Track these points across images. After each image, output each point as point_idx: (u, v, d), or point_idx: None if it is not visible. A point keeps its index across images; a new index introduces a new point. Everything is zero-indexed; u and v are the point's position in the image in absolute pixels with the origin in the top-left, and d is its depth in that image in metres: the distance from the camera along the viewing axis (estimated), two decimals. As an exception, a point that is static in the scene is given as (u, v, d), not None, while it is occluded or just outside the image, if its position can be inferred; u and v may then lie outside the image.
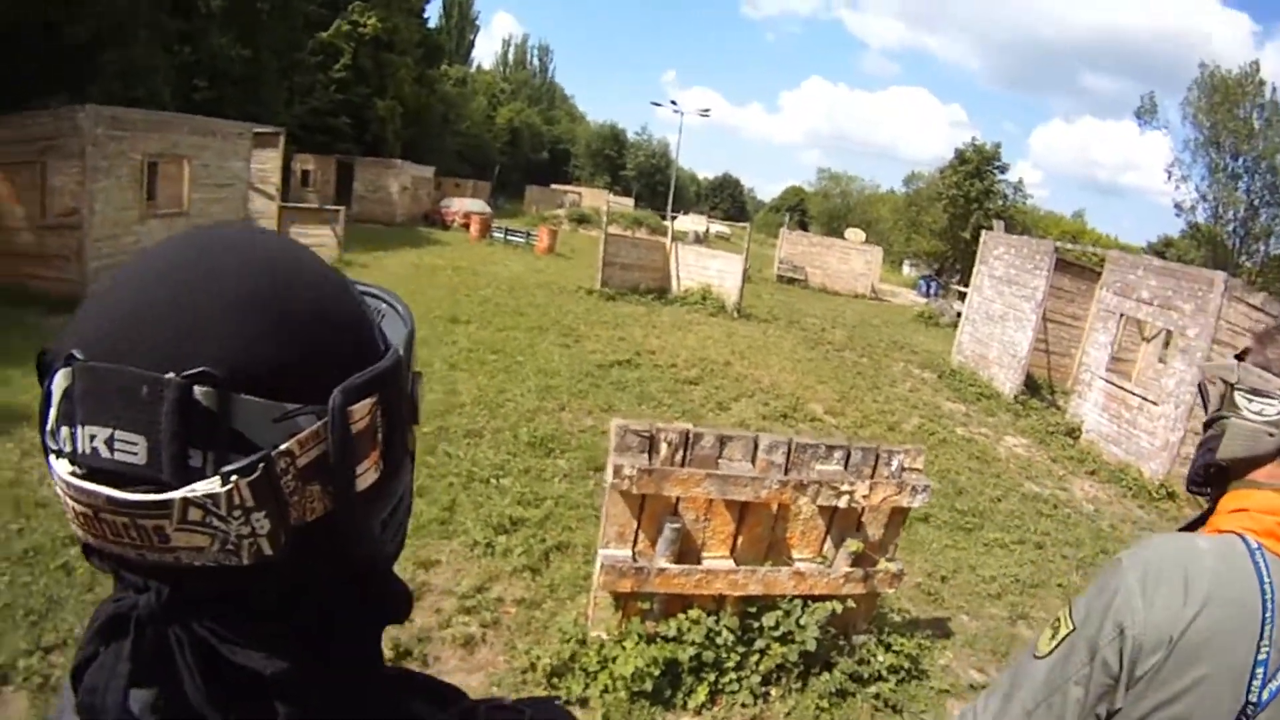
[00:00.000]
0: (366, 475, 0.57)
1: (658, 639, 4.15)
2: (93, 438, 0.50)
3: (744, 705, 4.23)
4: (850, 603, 4.31)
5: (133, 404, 0.50)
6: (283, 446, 0.52)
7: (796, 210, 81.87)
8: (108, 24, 23.65)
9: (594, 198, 47.73)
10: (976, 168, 44.75)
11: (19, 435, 6.71)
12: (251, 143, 18.58)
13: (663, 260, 19.36)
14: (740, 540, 4.24)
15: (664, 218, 30.79)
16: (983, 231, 17.33)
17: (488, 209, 37.00)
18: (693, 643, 4.10)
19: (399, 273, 18.22)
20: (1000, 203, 44.85)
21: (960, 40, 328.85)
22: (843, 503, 4.07)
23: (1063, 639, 1.27)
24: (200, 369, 0.50)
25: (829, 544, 4.36)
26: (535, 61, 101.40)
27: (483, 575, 5.49)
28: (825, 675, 4.39)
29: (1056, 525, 8.48)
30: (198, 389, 0.49)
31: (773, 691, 4.34)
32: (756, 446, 4.11)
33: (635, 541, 4.21)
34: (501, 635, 4.91)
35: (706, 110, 55.78)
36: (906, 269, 50.81)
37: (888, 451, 4.24)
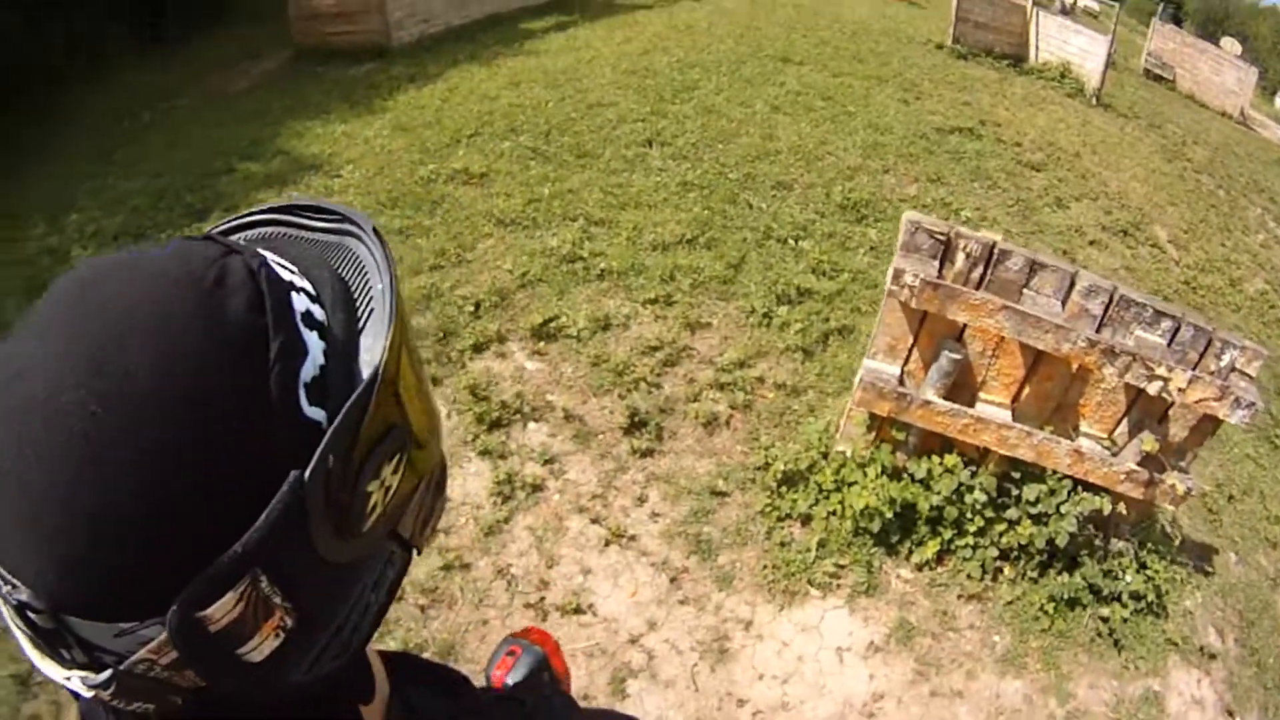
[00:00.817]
0: (259, 650, 0.49)
1: (904, 476, 3.62)
2: (5, 616, 0.49)
3: (970, 576, 3.75)
4: (1121, 506, 3.49)
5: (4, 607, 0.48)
6: (135, 657, 0.47)
7: (1170, 2, 70.18)
8: None
9: None
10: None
11: (305, 183, 6.91)
12: None
13: (1021, 24, 16.73)
14: (1026, 391, 3.48)
15: None
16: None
17: None
18: (939, 493, 3.55)
19: (733, 7, 16.88)
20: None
21: None
22: (1153, 389, 3.16)
23: None
24: (20, 599, 0.46)
25: (1124, 426, 3.49)
26: None
27: (750, 348, 5.14)
28: (1064, 576, 3.75)
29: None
30: (30, 615, 0.46)
31: (1005, 570, 3.79)
32: (1073, 285, 3.25)
33: (907, 359, 3.59)
34: (748, 421, 4.60)
35: None
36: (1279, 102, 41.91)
37: (1223, 340, 3.21)
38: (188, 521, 0.45)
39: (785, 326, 5.33)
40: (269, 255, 0.56)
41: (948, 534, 3.64)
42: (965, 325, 3.38)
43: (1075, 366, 3.35)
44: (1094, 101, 15.14)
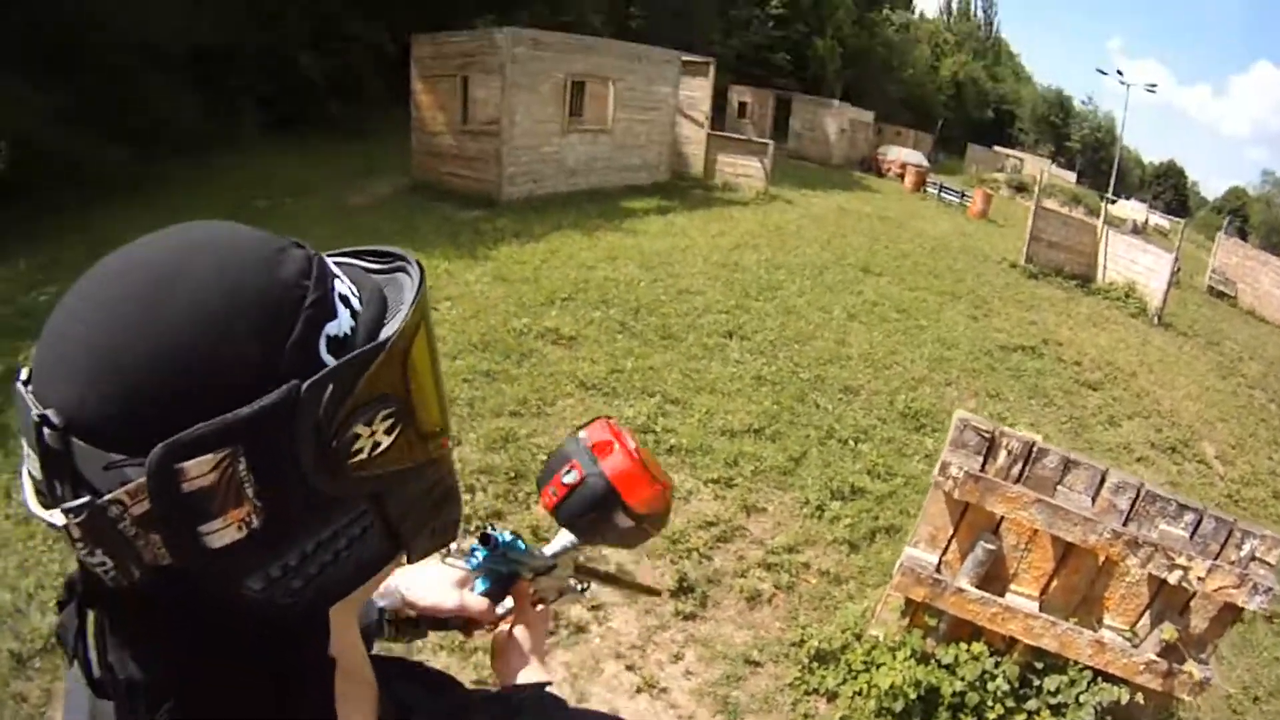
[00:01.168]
0: (222, 534, 0.53)
1: (931, 660, 3.72)
2: (25, 448, 0.55)
3: (988, 764, 3.77)
4: (1139, 697, 3.55)
5: (28, 426, 0.53)
6: (110, 495, 0.51)
7: (1237, 214, 70.89)
8: None
9: (1035, 166, 43.96)
10: None
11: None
12: (680, 70, 19.34)
13: (1092, 244, 17.47)
14: (1055, 584, 3.63)
15: (1102, 199, 27.92)
16: None
17: (925, 162, 35.43)
18: (963, 678, 3.63)
19: (822, 215, 18.02)
20: None
21: None
22: (1173, 578, 3.31)
23: None
24: (46, 411, 0.51)
25: (1146, 618, 3.60)
26: (980, 13, 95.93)
27: (800, 536, 5.35)
28: (1082, 767, 3.73)
29: None
30: (44, 430, 0.51)
31: (1024, 760, 3.80)
32: (1103, 482, 3.46)
33: (946, 549, 3.77)
34: (790, 601, 4.77)
35: (1153, 85, 50.13)
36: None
37: (1244, 531, 3.37)
38: (195, 383, 0.52)
39: (836, 520, 5.55)
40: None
41: (968, 719, 3.70)
42: (1002, 518, 3.57)
43: (1101, 559, 3.49)
44: (1155, 321, 15.60)
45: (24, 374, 0.56)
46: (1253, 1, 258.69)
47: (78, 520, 0.50)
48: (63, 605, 0.62)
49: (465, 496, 4.90)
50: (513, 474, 5.24)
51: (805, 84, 42.86)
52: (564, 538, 1.19)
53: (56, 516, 0.51)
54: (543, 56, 14.78)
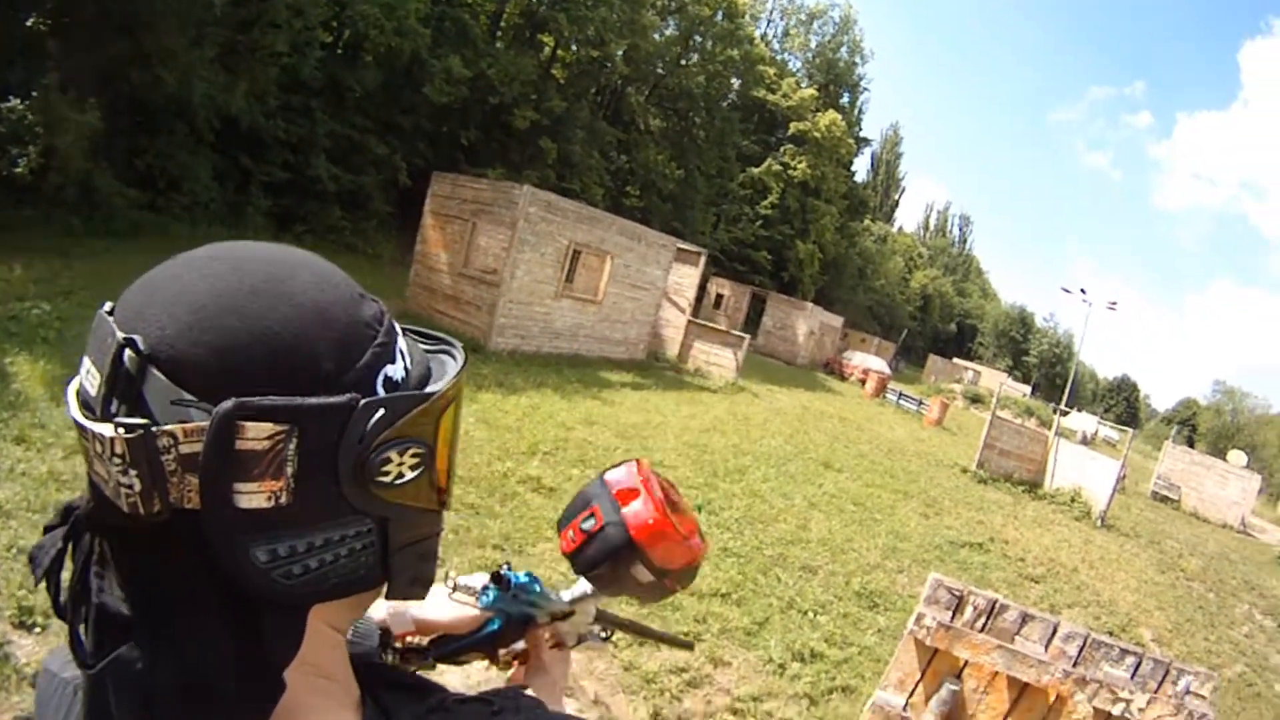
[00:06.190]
0: (252, 497, 0.58)
1: (893, 799, 4.01)
2: (86, 366, 0.61)
3: None
4: None
5: (102, 347, 0.58)
6: (167, 426, 0.56)
7: (1186, 425, 73.07)
8: (548, 117, 27.12)
9: (991, 378, 45.74)
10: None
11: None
12: (673, 256, 20.10)
13: (1042, 453, 18.64)
14: (1009, 722, 4.01)
15: (1055, 410, 29.18)
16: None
17: (887, 369, 36.97)
18: (931, 810, 3.92)
19: (786, 410, 18.85)
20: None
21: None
22: (1117, 710, 3.72)
23: None
24: (131, 336, 0.57)
25: None
26: (955, 230, 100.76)
27: (763, 689, 5.61)
28: None
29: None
30: (127, 351, 0.56)
31: None
32: (1055, 632, 3.92)
33: (912, 693, 4.13)
34: (757, 748, 4.98)
35: (1114, 304, 51.84)
36: (1286, 504, 43.01)
37: (1179, 670, 3.84)
38: (280, 363, 0.60)
39: (796, 678, 5.85)
40: None
41: None
42: (965, 664, 3.98)
43: (1052, 698, 3.90)
44: (1099, 523, 16.40)
45: (108, 306, 0.62)
46: (1212, 225, 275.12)
47: (128, 437, 0.55)
48: (48, 529, 0.67)
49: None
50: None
51: (782, 284, 44.44)
52: (583, 584, 1.16)
53: (105, 428, 0.55)
54: (552, 219, 15.31)
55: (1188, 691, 3.80)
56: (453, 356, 0.78)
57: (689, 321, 22.39)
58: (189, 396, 0.57)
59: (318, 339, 0.62)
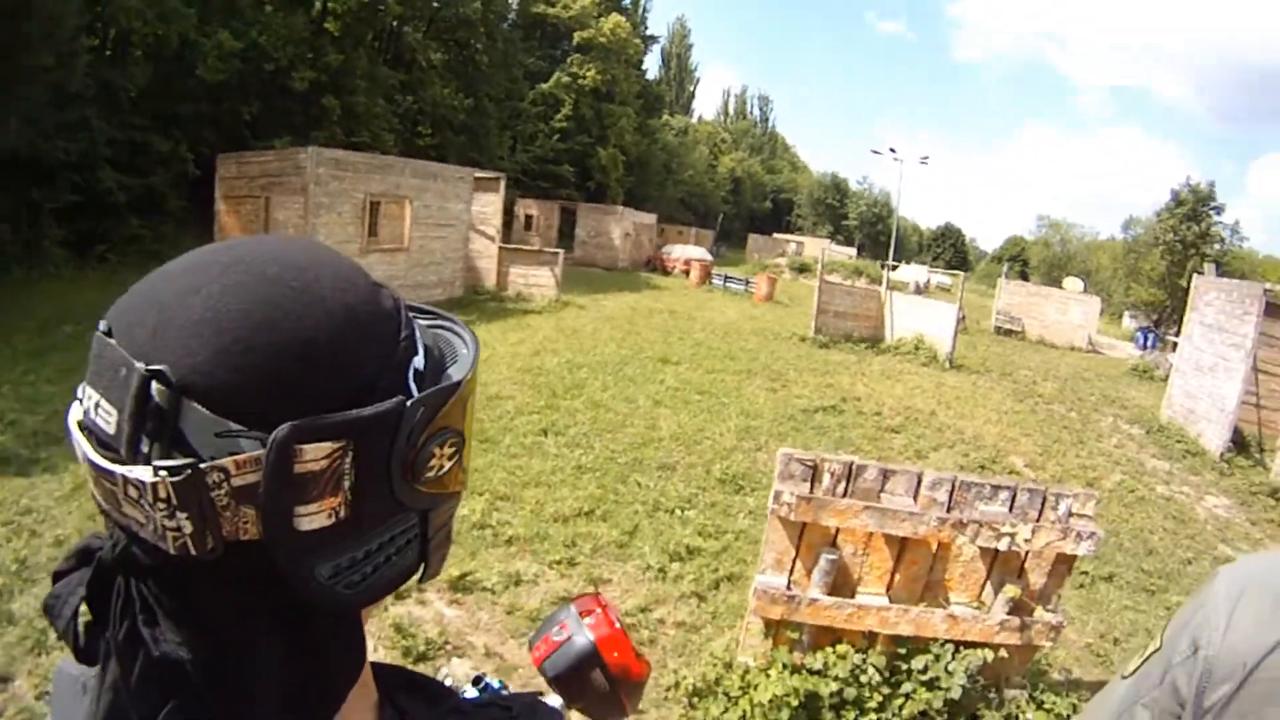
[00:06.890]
0: (313, 518, 0.56)
1: (803, 670, 4.02)
2: (93, 400, 0.55)
3: (881, 750, 4.07)
4: (1003, 653, 4.00)
5: (115, 381, 0.53)
6: (217, 461, 0.52)
7: (1017, 260, 77.93)
8: (326, 73, 26.25)
9: (816, 247, 47.35)
10: (1192, 209, 42.26)
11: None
12: (473, 186, 20.04)
13: (877, 309, 19.27)
14: (897, 578, 4.05)
15: (883, 266, 30.47)
16: (1194, 276, 16.04)
17: (709, 256, 37.50)
18: (836, 678, 3.93)
19: (615, 315, 18.84)
20: (1217, 247, 42.27)
21: (1173, 73, 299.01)
22: (1003, 545, 3.81)
23: (1148, 656, 1.04)
24: (160, 367, 0.52)
25: (989, 589, 4.10)
26: (755, 111, 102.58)
27: (650, 598, 5.56)
28: (969, 727, 4.11)
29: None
30: (154, 384, 0.52)
31: (913, 738, 4.13)
32: (920, 482, 3.95)
33: (792, 570, 4.12)
34: (654, 654, 4.94)
35: (925, 158, 54.35)
36: (1127, 321, 46.70)
37: (1055, 494, 3.95)
38: (323, 378, 0.57)
39: (679, 579, 5.84)
40: None
41: (851, 714, 3.92)
42: (838, 531, 3.98)
43: (935, 546, 3.96)
44: (947, 366, 17.02)
45: (103, 326, 0.57)
46: (1017, 66, 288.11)
47: (173, 481, 0.51)
48: (59, 575, 0.65)
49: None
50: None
51: (590, 193, 44.22)
52: (554, 698, 1.24)
53: (143, 473, 0.52)
54: (343, 176, 14.98)
55: (1070, 514, 3.91)
56: (454, 331, 0.76)
57: (500, 248, 22.03)
58: (237, 427, 0.53)
59: (353, 343, 0.60)
